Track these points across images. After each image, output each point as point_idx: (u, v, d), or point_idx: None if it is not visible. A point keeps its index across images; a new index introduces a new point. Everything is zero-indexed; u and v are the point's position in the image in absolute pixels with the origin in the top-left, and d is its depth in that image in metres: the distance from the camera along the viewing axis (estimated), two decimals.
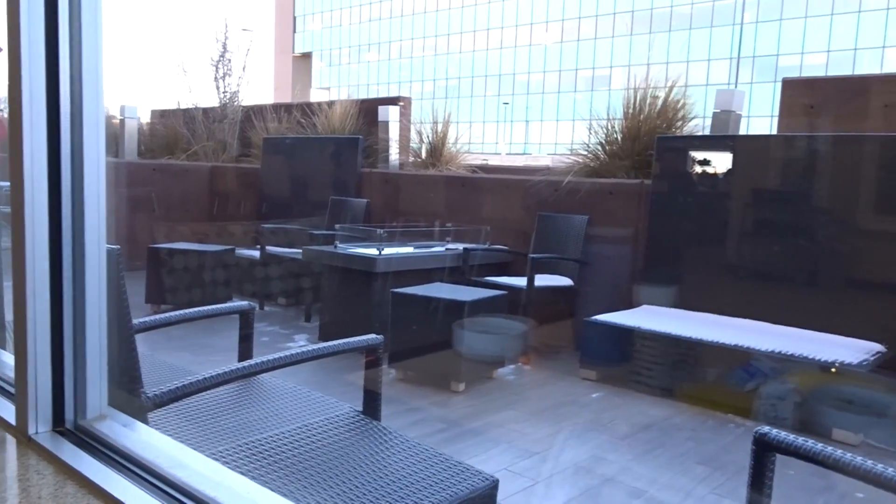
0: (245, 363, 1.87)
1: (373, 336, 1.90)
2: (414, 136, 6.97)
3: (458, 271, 5.01)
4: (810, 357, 3.39)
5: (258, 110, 8.37)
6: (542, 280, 4.74)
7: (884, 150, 3.94)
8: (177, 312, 2.00)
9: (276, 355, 1.83)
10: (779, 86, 5.51)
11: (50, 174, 1.09)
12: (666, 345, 3.86)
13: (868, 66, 34.50)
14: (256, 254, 5.98)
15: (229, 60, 8.78)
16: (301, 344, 5.03)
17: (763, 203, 4.39)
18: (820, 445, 1.21)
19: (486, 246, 5.33)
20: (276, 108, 8.39)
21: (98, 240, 1.16)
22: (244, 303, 2.23)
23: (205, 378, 1.72)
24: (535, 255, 4.79)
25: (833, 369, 3.30)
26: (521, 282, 4.68)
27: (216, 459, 1.29)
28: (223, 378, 1.80)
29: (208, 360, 4.36)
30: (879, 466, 1.13)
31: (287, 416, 2.00)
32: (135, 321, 1.73)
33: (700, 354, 3.75)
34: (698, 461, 3.02)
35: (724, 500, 2.64)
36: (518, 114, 48.50)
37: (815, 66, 36.07)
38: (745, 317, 4.12)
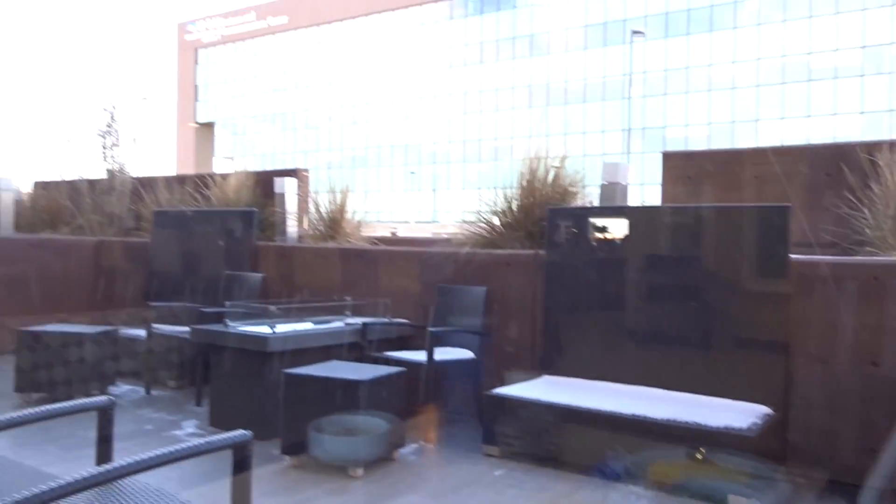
0: (100, 469, 1.68)
1: (240, 433, 1.75)
2: (312, 207, 6.86)
3: (357, 347, 4.85)
4: (702, 424, 3.44)
5: (150, 182, 8.06)
6: (442, 353, 4.66)
7: (754, 219, 4.16)
8: (14, 415, 1.79)
9: (134, 459, 1.66)
10: (662, 153, 5.82)
11: None
12: (565, 416, 3.83)
13: (744, 137, 37.37)
14: (143, 334, 5.61)
15: (117, 131, 8.46)
16: (189, 431, 4.71)
17: (652, 271, 4.52)
18: None
19: (387, 320, 5.21)
20: (169, 179, 8.11)
21: None
22: (101, 398, 2.02)
23: (42, 493, 1.52)
24: (433, 329, 4.71)
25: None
26: (421, 356, 4.58)
27: None
28: (70, 489, 1.61)
29: (82, 454, 3.99)
30: None
31: None
32: None
33: (599, 425, 3.74)
34: None
35: None
36: (425, 183, 49.27)
37: (698, 139, 38.76)
38: (641, 384, 4.16)
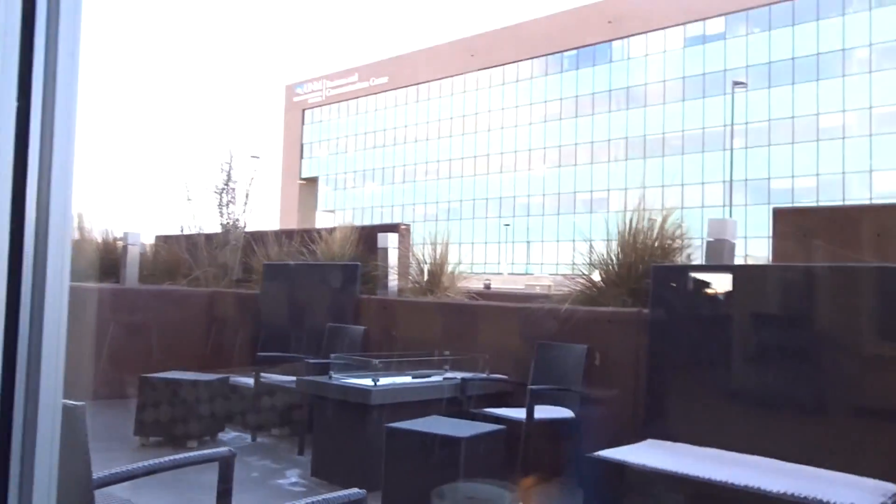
0: None
1: (355, 491, 1.80)
2: (413, 261, 7.01)
3: (456, 402, 4.86)
4: (824, 501, 3.21)
5: (261, 236, 8.50)
6: (542, 412, 4.59)
7: (880, 279, 3.92)
8: (144, 463, 1.91)
9: None
10: (772, 208, 5.61)
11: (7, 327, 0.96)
12: (672, 484, 3.66)
13: (857, 189, 35.41)
14: (251, 382, 5.85)
15: (233, 189, 9.02)
16: (293, 480, 4.82)
17: (764, 333, 4.32)
18: None
19: (485, 375, 5.20)
20: (278, 234, 8.54)
21: (54, 401, 1.07)
22: (223, 449, 2.13)
23: None
24: (534, 387, 4.66)
25: None
26: (520, 414, 4.53)
27: None
28: None
29: (195, 498, 4.16)
30: None
31: None
32: (99, 474, 1.64)
33: (709, 495, 3.56)
34: None
35: None
36: (519, 235, 49.35)
37: (806, 189, 37.06)
38: (752, 452, 3.94)
